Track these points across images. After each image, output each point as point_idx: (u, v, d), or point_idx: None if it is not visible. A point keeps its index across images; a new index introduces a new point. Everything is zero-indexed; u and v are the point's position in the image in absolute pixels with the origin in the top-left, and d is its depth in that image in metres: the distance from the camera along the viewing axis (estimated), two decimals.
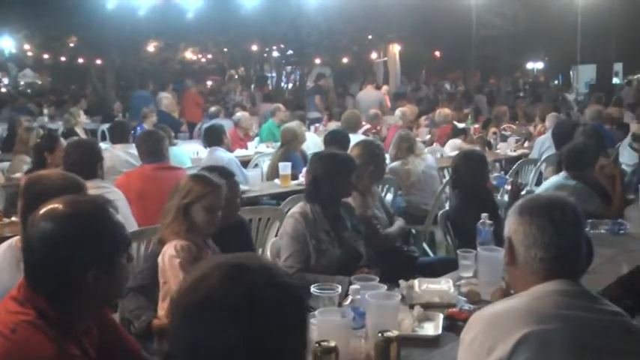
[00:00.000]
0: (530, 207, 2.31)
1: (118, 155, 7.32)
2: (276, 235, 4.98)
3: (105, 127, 13.52)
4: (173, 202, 3.63)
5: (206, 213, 3.59)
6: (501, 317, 2.15)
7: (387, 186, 6.96)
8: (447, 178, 7.32)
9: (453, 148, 9.84)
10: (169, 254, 3.46)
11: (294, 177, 7.19)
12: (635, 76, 26.85)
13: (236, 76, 23.95)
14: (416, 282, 3.66)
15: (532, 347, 2.04)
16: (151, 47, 22.05)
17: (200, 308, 1.49)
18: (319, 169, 4.35)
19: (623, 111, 12.87)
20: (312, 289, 3.28)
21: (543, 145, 8.90)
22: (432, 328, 3.12)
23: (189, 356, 1.49)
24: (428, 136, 11.31)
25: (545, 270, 2.24)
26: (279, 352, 1.50)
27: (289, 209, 4.53)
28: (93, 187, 4.68)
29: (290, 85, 24.67)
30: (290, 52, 22.64)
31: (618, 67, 26.89)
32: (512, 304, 2.19)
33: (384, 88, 17.59)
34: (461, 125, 11.66)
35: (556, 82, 31.26)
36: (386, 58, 22.31)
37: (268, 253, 4.44)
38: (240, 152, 9.63)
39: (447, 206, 5.83)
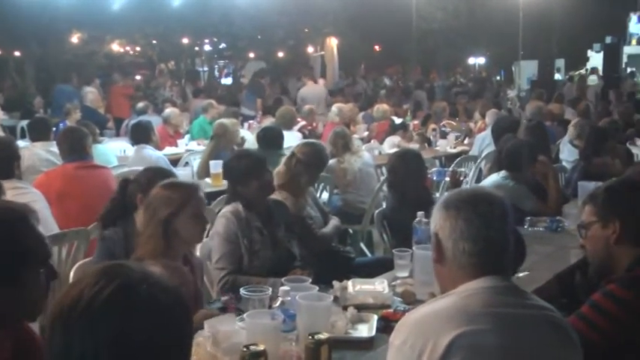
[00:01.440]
0: (456, 201, 2.33)
1: (38, 154, 7.18)
2: (207, 236, 4.96)
3: (24, 123, 13.20)
4: (146, 217, 3.42)
5: (194, 220, 3.42)
6: (431, 318, 2.17)
7: (322, 184, 7.00)
8: (385, 175, 7.41)
9: (391, 145, 9.94)
10: None
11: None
12: (577, 72, 27.50)
13: (166, 71, 23.70)
14: (350, 283, 3.70)
15: (464, 348, 2.08)
16: (74, 38, 21.64)
17: (71, 311, 1.53)
18: (233, 169, 4.43)
19: (564, 107, 13.14)
20: (242, 291, 3.30)
21: (483, 142, 9.06)
22: (365, 330, 3.17)
23: (62, 358, 1.53)
24: (366, 133, 11.40)
25: (474, 265, 2.26)
26: (152, 353, 1.54)
27: (220, 209, 4.53)
28: (10, 188, 4.61)
29: (223, 80, 24.55)
30: (223, 45, 22.53)
31: (560, 62, 27.51)
32: (442, 305, 2.21)
33: (322, 81, 17.66)
34: (398, 121, 11.79)
35: (498, 77, 31.83)
36: (323, 52, 22.40)
37: (198, 255, 4.42)
38: (169, 150, 9.52)
39: (384, 205, 5.90)
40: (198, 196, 3.48)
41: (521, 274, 3.79)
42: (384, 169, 8.08)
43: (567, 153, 8.63)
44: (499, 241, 2.29)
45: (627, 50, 26.60)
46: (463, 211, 2.28)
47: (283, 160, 5.22)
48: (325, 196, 7.03)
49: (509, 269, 2.36)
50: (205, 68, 24.55)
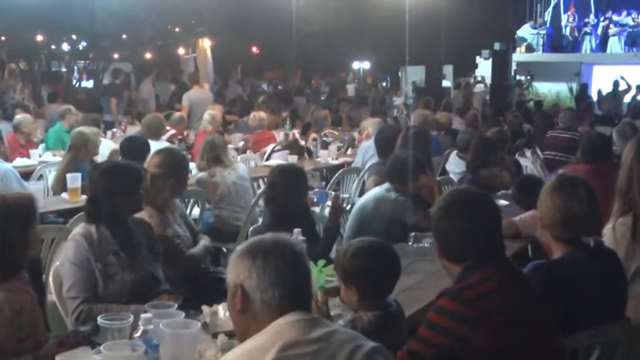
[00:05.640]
0: (261, 250, 2.55)
1: None
2: None
3: None
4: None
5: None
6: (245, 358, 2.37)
7: (193, 200, 6.94)
8: (262, 189, 7.43)
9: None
10: None
11: (85, 191, 7.02)
12: (465, 80, 28.29)
13: (17, 71, 22.99)
14: (220, 307, 3.69)
15: None
16: None
17: None
18: (99, 185, 4.29)
19: (452, 116, 13.49)
20: (99, 319, 3.23)
21: (367, 152, 9.14)
22: None
23: None
24: (241, 143, 11.40)
25: (281, 305, 2.48)
26: None
27: None
28: None
29: (83, 84, 24.03)
30: (83, 44, 22.05)
31: (448, 69, 28.25)
32: (254, 344, 2.40)
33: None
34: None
35: (384, 83, 32.41)
36: (195, 54, 22.25)
37: (51, 281, 4.30)
38: (20, 162, 9.30)
39: (260, 221, 5.91)
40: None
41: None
42: (261, 182, 8.12)
43: (454, 164, 8.88)
44: (304, 281, 2.57)
45: (516, 57, 27.63)
46: (271, 258, 2.51)
47: None
48: (196, 212, 6.98)
49: (310, 303, 2.62)
50: (63, 69, 23.93)
